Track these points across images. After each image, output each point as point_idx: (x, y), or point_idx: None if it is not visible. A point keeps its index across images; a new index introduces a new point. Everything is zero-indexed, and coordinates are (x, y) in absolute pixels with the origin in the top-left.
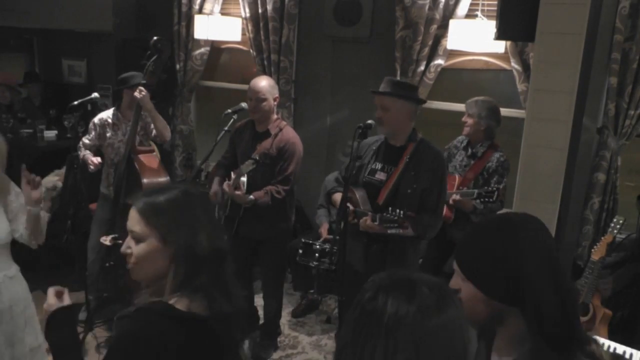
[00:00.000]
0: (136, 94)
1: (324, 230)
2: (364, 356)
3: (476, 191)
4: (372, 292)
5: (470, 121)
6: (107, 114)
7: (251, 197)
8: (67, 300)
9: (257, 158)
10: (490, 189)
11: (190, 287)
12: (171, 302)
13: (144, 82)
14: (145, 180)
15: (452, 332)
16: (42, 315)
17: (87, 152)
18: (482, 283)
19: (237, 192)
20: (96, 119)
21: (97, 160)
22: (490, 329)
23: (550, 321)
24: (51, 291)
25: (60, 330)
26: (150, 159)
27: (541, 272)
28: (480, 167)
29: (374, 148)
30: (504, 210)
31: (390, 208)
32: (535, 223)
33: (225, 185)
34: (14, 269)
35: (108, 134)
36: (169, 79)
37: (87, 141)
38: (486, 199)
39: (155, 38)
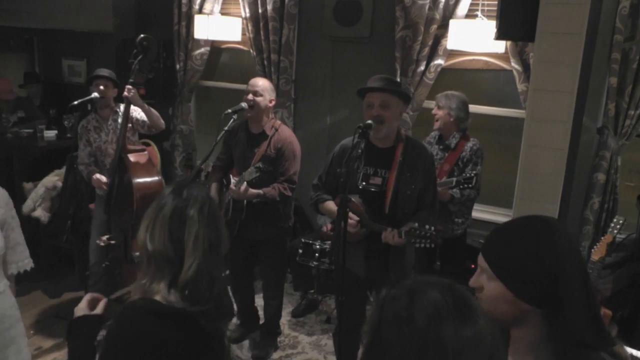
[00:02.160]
0: (125, 93)
1: (327, 228)
2: None
3: (455, 179)
4: (409, 300)
5: (440, 113)
6: (85, 120)
7: (260, 192)
8: (99, 309)
9: (261, 166)
10: (468, 175)
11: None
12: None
13: (131, 80)
14: (135, 180)
15: (486, 340)
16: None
17: (92, 169)
18: (515, 283)
19: (243, 187)
20: (79, 128)
21: (104, 180)
22: (507, 331)
23: (581, 322)
24: (87, 297)
25: (78, 338)
26: (141, 158)
27: (576, 275)
28: (454, 157)
29: (359, 151)
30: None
31: (417, 224)
32: (566, 226)
33: (230, 190)
34: (3, 285)
35: (92, 139)
36: (168, 78)
37: (82, 153)
38: (465, 185)
39: (141, 36)
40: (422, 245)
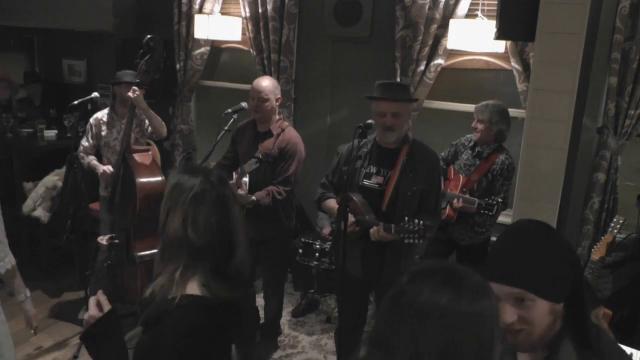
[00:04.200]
0: (130, 93)
1: (326, 232)
2: (393, 335)
3: (477, 201)
4: (412, 276)
5: (481, 127)
6: (102, 114)
7: (253, 197)
8: (107, 305)
9: (261, 157)
10: (490, 201)
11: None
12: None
13: (138, 81)
14: (139, 180)
15: (481, 324)
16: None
17: (92, 158)
18: (554, 292)
19: (240, 192)
20: (92, 120)
21: (109, 169)
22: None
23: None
24: (92, 301)
25: (107, 340)
26: (145, 158)
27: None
28: (485, 169)
29: (365, 151)
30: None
31: (407, 218)
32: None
33: None
34: None
35: (104, 133)
36: (169, 78)
37: (86, 144)
38: (485, 211)
39: (148, 37)
40: (412, 240)
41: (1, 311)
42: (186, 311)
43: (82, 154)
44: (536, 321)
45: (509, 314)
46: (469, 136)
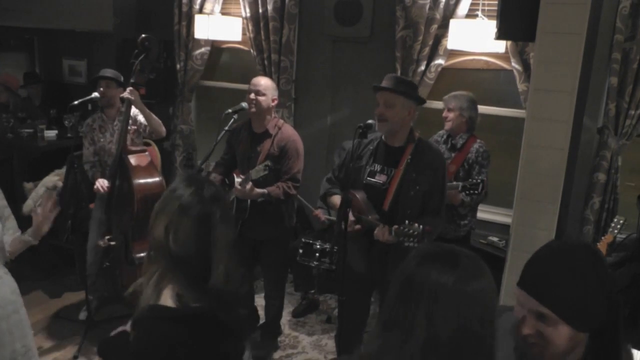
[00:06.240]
0: (126, 94)
1: (319, 214)
2: (408, 316)
3: (460, 184)
4: (419, 260)
5: (451, 115)
6: (91, 119)
7: (265, 191)
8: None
9: (269, 164)
10: (474, 181)
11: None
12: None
13: (133, 81)
14: (136, 181)
15: (485, 297)
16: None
17: (96, 169)
18: (582, 321)
19: (248, 187)
20: (84, 127)
21: (106, 185)
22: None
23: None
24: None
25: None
26: (142, 159)
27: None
28: (461, 159)
29: (371, 148)
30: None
31: (407, 221)
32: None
33: (234, 190)
34: (1, 271)
35: (96, 138)
36: (169, 78)
37: (86, 152)
38: (471, 191)
39: (142, 36)
40: (410, 244)
41: (12, 301)
42: (152, 323)
43: (87, 166)
44: (552, 342)
45: (528, 326)
46: (441, 132)
